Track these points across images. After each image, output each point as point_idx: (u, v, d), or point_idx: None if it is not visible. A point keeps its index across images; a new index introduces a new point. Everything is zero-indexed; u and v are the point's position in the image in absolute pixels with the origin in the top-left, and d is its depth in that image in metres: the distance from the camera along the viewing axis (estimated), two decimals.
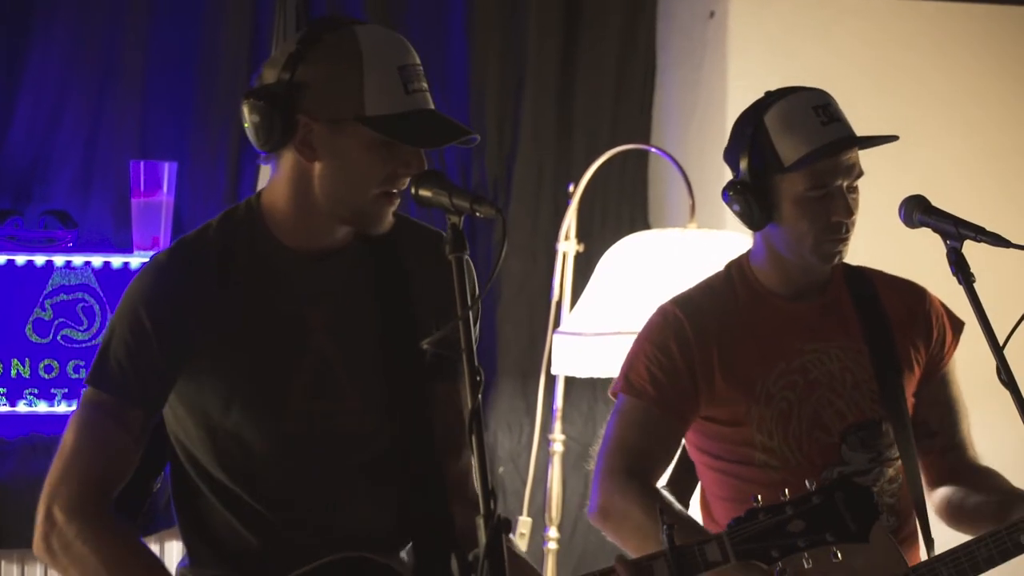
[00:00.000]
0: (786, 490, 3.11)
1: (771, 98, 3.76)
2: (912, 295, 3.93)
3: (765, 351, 3.80)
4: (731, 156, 3.82)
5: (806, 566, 3.17)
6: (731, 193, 3.77)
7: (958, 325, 3.90)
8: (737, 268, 3.90)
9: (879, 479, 3.81)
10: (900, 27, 5.76)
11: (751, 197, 3.74)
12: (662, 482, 3.91)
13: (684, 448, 3.96)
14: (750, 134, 3.75)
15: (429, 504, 3.30)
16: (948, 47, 5.84)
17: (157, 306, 3.19)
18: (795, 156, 3.67)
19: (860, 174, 3.73)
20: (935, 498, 3.90)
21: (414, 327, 3.24)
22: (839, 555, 3.13)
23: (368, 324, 3.28)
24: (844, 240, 3.73)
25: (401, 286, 3.26)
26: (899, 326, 3.87)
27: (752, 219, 3.77)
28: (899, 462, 3.83)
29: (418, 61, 3.17)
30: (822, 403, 3.78)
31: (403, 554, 3.38)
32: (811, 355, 3.81)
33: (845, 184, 3.70)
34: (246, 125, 3.17)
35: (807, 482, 3.17)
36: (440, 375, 3.26)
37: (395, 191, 3.16)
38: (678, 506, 3.79)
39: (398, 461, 3.31)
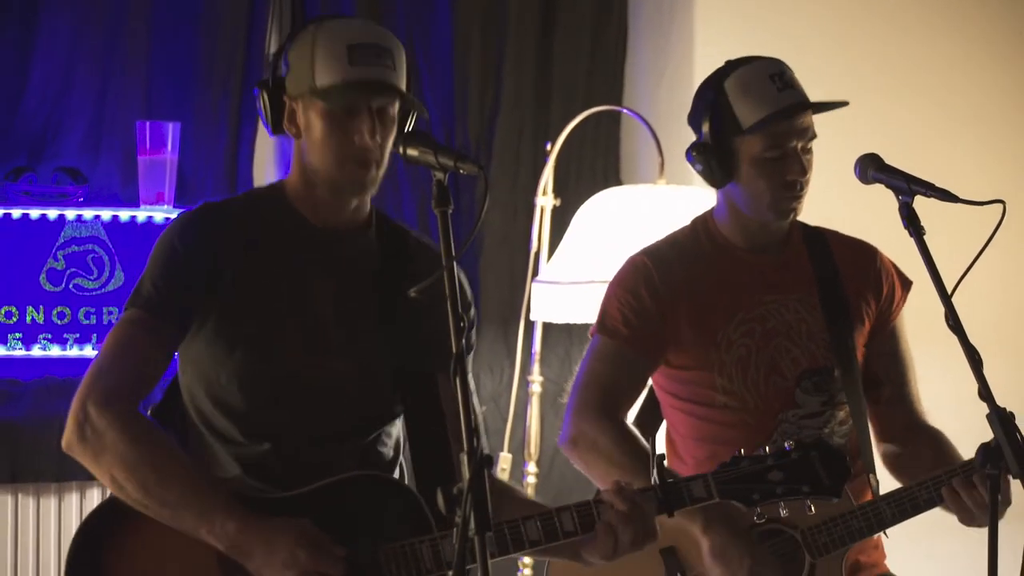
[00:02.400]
0: (766, 446, 3.15)
1: (731, 67, 3.77)
2: (864, 254, 3.95)
3: (727, 301, 3.81)
4: (694, 120, 3.83)
5: (782, 514, 3.23)
6: (694, 154, 3.79)
7: (907, 283, 3.92)
8: (702, 223, 3.91)
9: (830, 421, 3.83)
10: None
11: (712, 158, 3.76)
12: (630, 420, 3.90)
13: (651, 388, 3.97)
14: (711, 99, 3.77)
15: (430, 460, 3.33)
16: (913, 14, 5.82)
17: (189, 242, 3.27)
18: (753, 119, 3.69)
19: (813, 136, 3.75)
20: (882, 452, 3.92)
21: (414, 306, 3.23)
22: (812, 508, 3.18)
23: (368, 297, 3.32)
24: (798, 197, 3.75)
25: (399, 275, 3.29)
26: (851, 282, 3.88)
27: (714, 178, 3.79)
28: (848, 406, 3.84)
29: (383, 44, 3.23)
30: (779, 350, 3.80)
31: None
32: (769, 306, 3.82)
33: (799, 145, 3.72)
34: (260, 111, 3.33)
35: (786, 443, 3.20)
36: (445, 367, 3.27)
37: (363, 160, 3.22)
38: (642, 439, 3.79)
39: (382, 423, 3.35)
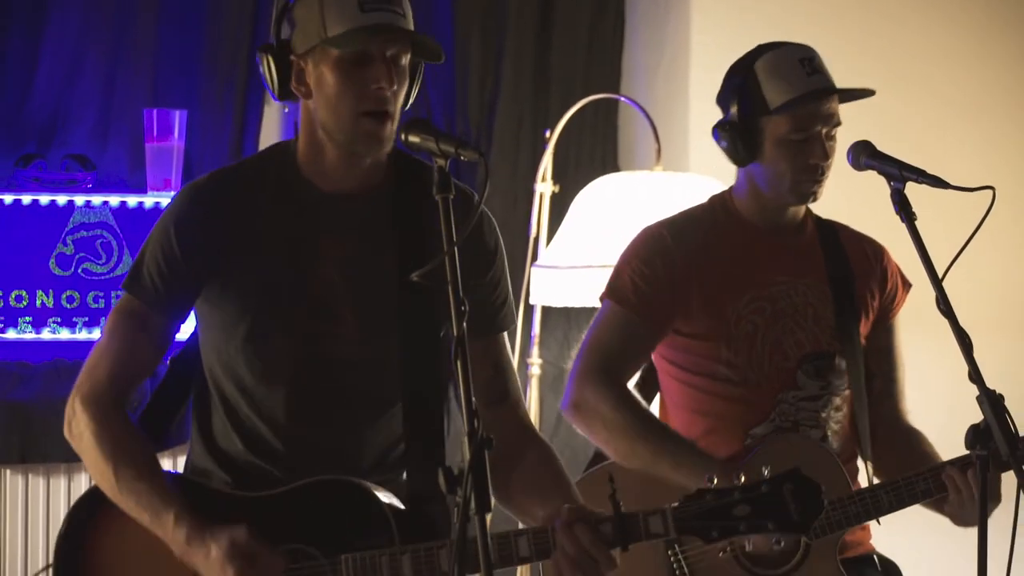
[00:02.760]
0: (742, 475, 3.01)
1: (762, 50, 3.78)
2: (873, 250, 3.96)
3: (740, 277, 3.81)
4: (723, 99, 3.83)
5: (747, 548, 3.13)
6: (720, 132, 3.80)
7: (907, 285, 3.93)
8: (720, 201, 3.91)
9: (827, 406, 3.83)
10: None
11: (738, 136, 3.76)
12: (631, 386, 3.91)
13: (650, 360, 3.96)
14: (741, 79, 3.77)
15: (420, 437, 3.28)
16: (908, 4, 5.83)
17: (187, 228, 3.21)
18: (780, 100, 3.70)
19: (838, 123, 3.75)
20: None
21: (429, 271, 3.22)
22: (781, 543, 3.01)
23: (378, 262, 3.25)
24: (819, 181, 3.75)
25: (415, 232, 3.22)
26: (859, 274, 3.89)
27: (737, 156, 3.79)
28: (847, 392, 3.84)
29: None
30: (785, 331, 3.79)
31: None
32: (781, 287, 3.82)
33: (824, 131, 3.73)
34: (263, 75, 3.23)
35: (763, 469, 3.05)
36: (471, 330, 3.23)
37: (375, 111, 3.13)
38: (644, 404, 3.82)
39: (393, 390, 3.28)
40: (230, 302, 3.23)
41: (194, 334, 3.37)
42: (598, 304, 3.90)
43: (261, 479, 3.24)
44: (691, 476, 3.60)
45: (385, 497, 3.18)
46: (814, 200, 3.80)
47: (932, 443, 3.87)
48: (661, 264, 3.79)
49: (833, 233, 3.93)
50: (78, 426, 3.22)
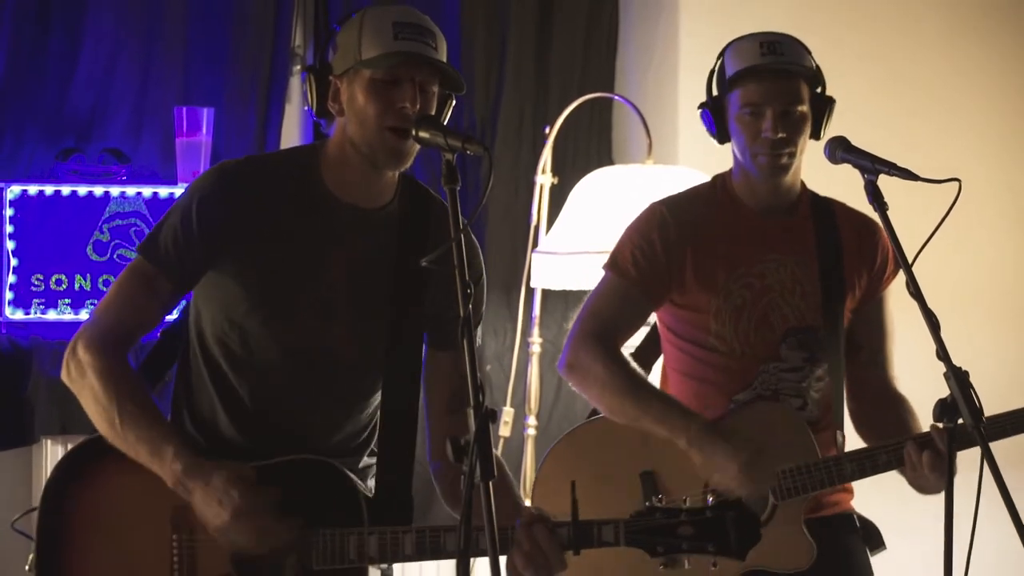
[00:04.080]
0: (686, 498, 3.08)
1: (741, 36, 3.80)
2: (866, 227, 3.93)
3: (732, 254, 3.81)
4: (707, 82, 3.85)
5: (686, 566, 3.10)
6: (701, 113, 3.84)
7: (899, 260, 3.90)
8: (720, 181, 3.92)
9: (808, 377, 3.83)
10: None
11: (711, 116, 3.79)
12: (632, 349, 3.97)
13: (654, 325, 3.99)
14: (719, 62, 3.79)
15: (397, 430, 3.30)
16: (895, 6, 5.82)
17: (208, 207, 3.21)
18: (732, 76, 3.72)
19: (797, 103, 3.72)
20: (851, 409, 3.93)
21: (421, 287, 3.23)
22: (716, 565, 3.07)
23: (378, 274, 3.27)
24: (776, 155, 3.73)
25: (419, 252, 3.23)
26: (849, 252, 3.88)
27: (716, 135, 3.82)
28: (828, 365, 3.84)
29: (425, 25, 3.20)
30: (771, 306, 3.80)
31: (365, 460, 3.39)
32: (770, 264, 3.82)
33: (779, 109, 3.70)
34: (306, 93, 3.27)
35: (706, 496, 3.11)
36: (443, 344, 3.23)
37: (398, 127, 3.14)
38: (633, 365, 3.82)
39: (371, 390, 3.33)
40: (237, 284, 3.23)
41: (184, 310, 3.37)
42: (594, 287, 3.90)
43: (240, 452, 3.24)
44: (673, 430, 3.65)
45: (359, 483, 3.22)
46: (782, 176, 3.78)
47: (914, 408, 3.87)
48: (659, 240, 3.79)
49: (828, 212, 3.92)
50: (79, 366, 3.18)
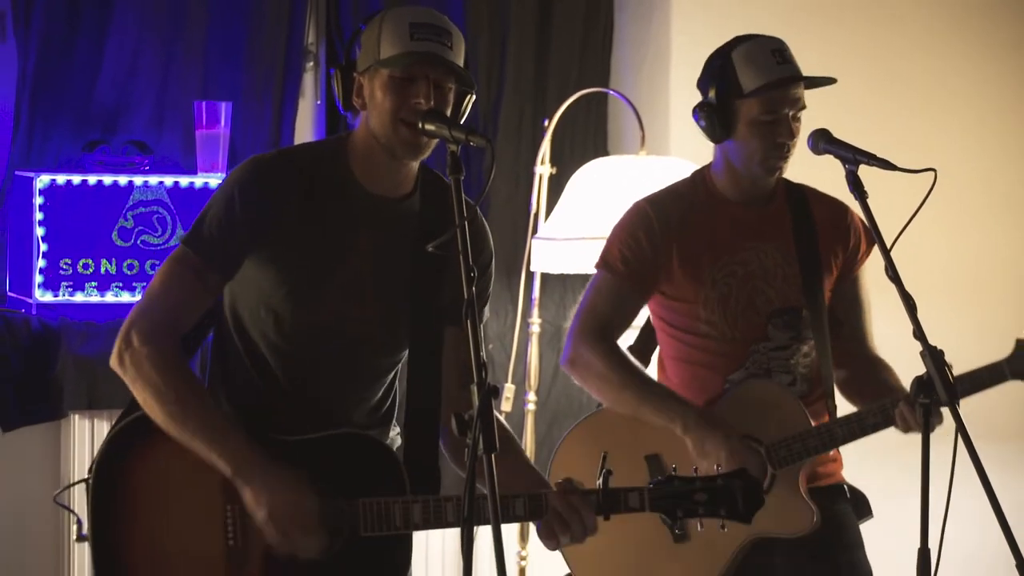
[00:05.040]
0: (696, 469, 3.24)
1: (738, 41, 3.79)
2: (837, 210, 3.96)
3: (715, 245, 3.82)
4: (703, 83, 3.84)
5: (699, 529, 3.29)
6: (700, 112, 3.81)
7: (871, 240, 3.90)
8: (700, 176, 3.92)
9: (795, 354, 3.86)
10: None
11: (715, 116, 3.77)
12: (629, 344, 3.98)
13: (648, 319, 3.99)
14: (719, 66, 3.78)
15: (422, 405, 3.31)
16: (881, 5, 5.82)
17: (249, 197, 3.21)
18: (753, 86, 3.71)
19: (803, 107, 3.76)
20: (837, 377, 3.95)
21: (440, 270, 3.24)
22: (726, 527, 3.21)
23: (401, 259, 3.28)
24: (785, 158, 3.77)
25: (437, 238, 3.24)
26: (824, 234, 3.89)
27: (714, 134, 3.80)
28: (812, 341, 3.85)
29: (442, 25, 3.20)
30: (756, 290, 3.81)
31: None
32: (751, 251, 3.83)
33: (791, 113, 3.73)
34: (336, 91, 3.26)
35: (715, 467, 3.27)
36: (457, 320, 3.24)
37: (413, 122, 3.15)
38: (631, 358, 3.85)
39: (402, 369, 3.34)
40: (273, 269, 3.23)
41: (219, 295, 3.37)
42: (592, 271, 3.91)
43: (277, 429, 3.24)
44: (670, 419, 3.71)
45: (399, 457, 3.23)
46: (780, 174, 3.82)
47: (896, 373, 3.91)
48: (644, 236, 3.80)
49: (802, 198, 3.93)
50: (136, 356, 3.15)
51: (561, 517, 3.10)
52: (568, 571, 3.93)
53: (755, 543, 3.73)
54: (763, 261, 3.83)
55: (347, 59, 3.25)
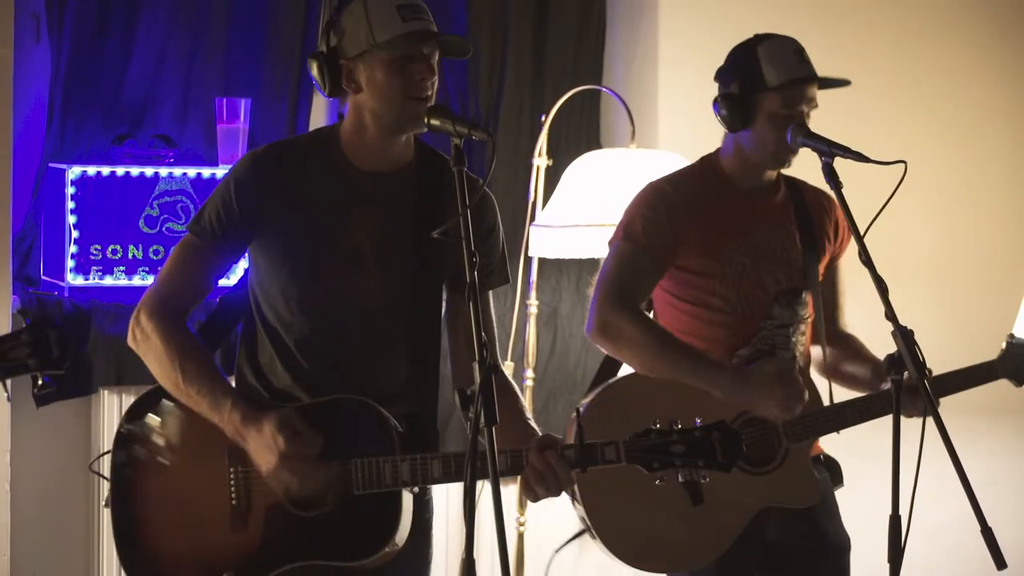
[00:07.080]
0: (677, 421, 3.10)
1: (762, 37, 3.79)
2: (825, 201, 3.97)
3: (730, 225, 3.81)
4: (724, 76, 3.83)
5: (679, 479, 3.12)
6: (721, 101, 3.80)
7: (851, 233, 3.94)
8: (708, 162, 3.92)
9: (795, 332, 3.87)
10: None
11: (736, 107, 3.76)
12: None
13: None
14: (744, 60, 3.77)
15: (423, 373, 3.31)
16: (864, 4, 5.82)
17: (245, 187, 3.24)
18: (776, 81, 3.71)
19: (816, 105, 3.77)
20: (813, 354, 3.96)
21: (440, 240, 3.21)
22: (707, 478, 3.10)
23: (400, 231, 3.27)
24: (795, 152, 3.77)
25: (436, 209, 3.24)
26: (819, 222, 3.92)
27: (732, 123, 3.78)
28: (810, 319, 3.90)
29: (421, 4, 3.19)
30: (767, 270, 3.82)
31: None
32: (764, 233, 3.84)
33: (806, 110, 3.75)
34: (314, 78, 3.24)
35: (695, 419, 3.12)
36: (462, 289, 3.22)
37: (419, 96, 3.17)
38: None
39: (405, 338, 3.31)
40: (275, 251, 3.25)
41: (243, 279, 3.38)
42: (585, 256, 3.90)
43: (297, 400, 3.25)
44: (705, 381, 3.69)
45: (391, 417, 3.22)
46: (788, 166, 3.83)
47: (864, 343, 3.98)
48: (664, 209, 3.78)
49: (798, 189, 3.95)
50: (143, 330, 3.23)
51: (537, 471, 3.08)
52: (572, 534, 3.92)
53: (762, 511, 3.75)
54: (773, 244, 3.84)
55: (327, 46, 3.22)
